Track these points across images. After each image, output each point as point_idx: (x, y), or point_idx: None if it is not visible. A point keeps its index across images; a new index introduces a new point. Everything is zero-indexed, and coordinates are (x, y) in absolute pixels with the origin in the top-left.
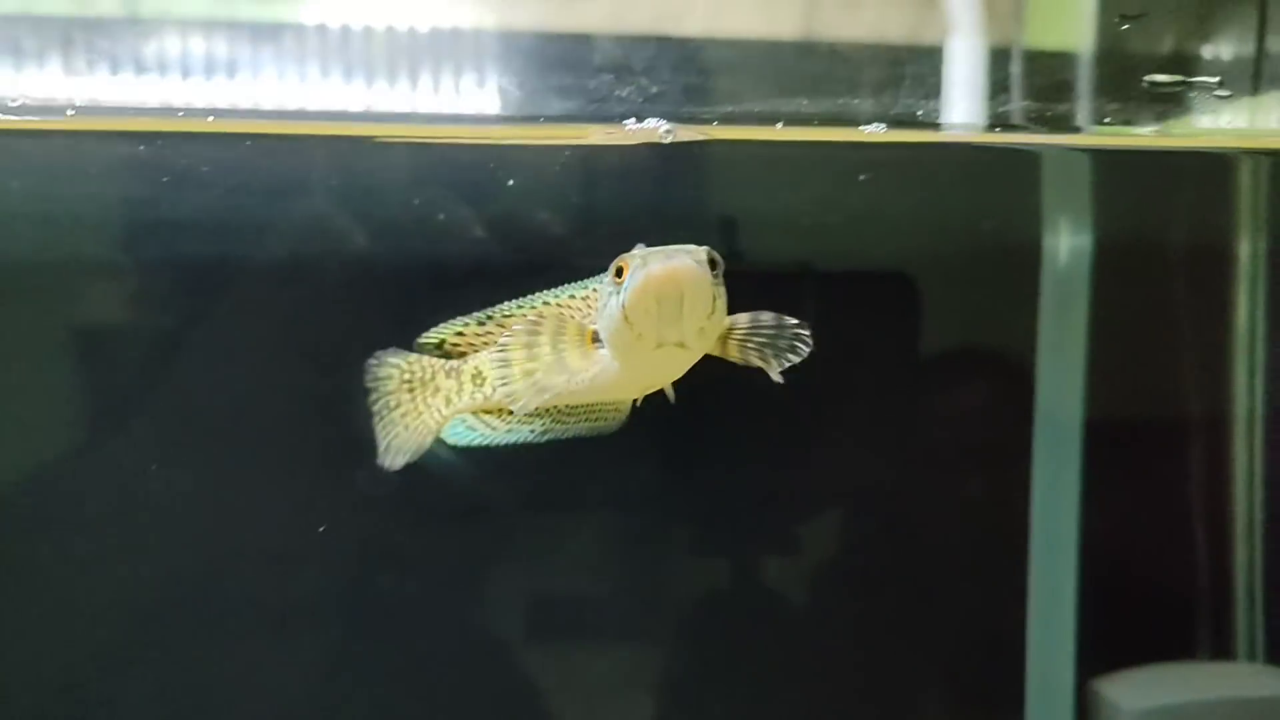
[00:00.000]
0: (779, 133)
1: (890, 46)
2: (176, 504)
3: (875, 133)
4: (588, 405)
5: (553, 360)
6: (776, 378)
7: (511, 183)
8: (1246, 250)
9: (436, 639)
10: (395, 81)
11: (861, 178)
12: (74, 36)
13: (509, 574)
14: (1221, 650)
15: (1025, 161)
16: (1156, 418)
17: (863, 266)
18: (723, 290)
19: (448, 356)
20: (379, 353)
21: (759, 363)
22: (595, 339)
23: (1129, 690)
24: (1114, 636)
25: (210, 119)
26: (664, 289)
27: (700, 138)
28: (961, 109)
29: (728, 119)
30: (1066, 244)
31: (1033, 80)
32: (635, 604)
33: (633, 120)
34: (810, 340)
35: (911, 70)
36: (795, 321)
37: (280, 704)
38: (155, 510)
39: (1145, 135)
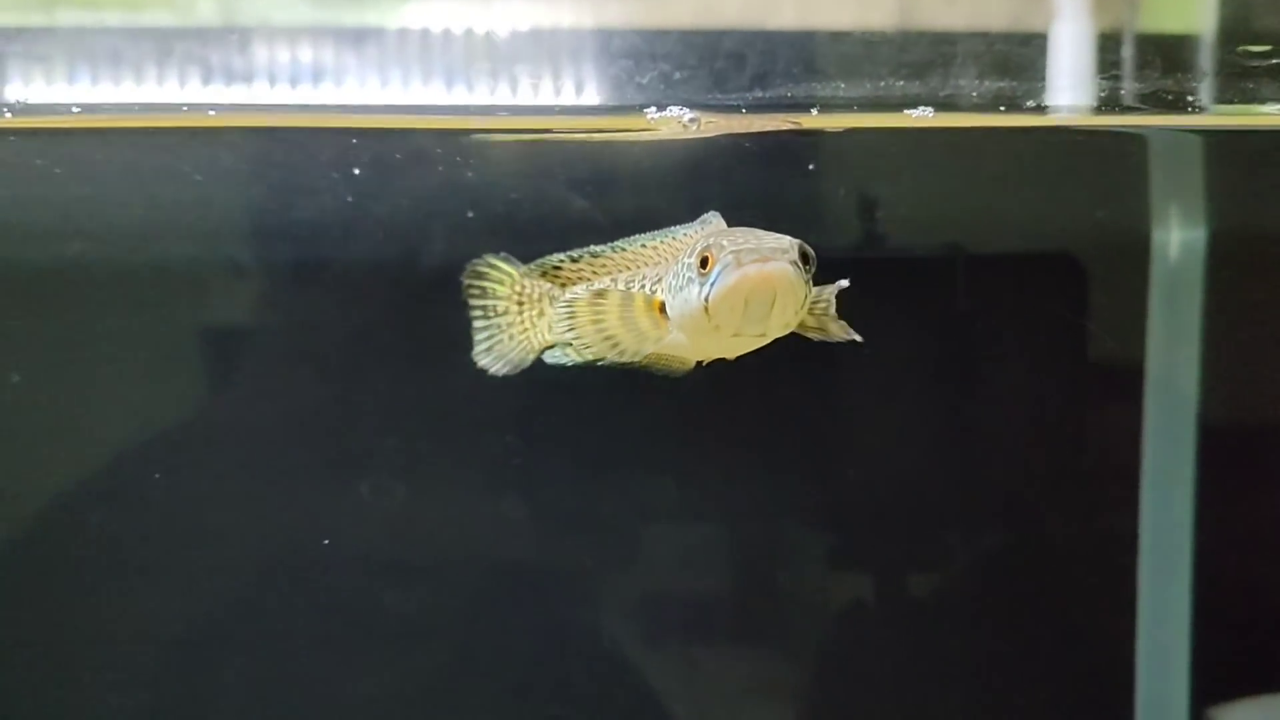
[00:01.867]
0: (813, 119)
1: (991, 34)
2: (282, 506)
3: (922, 117)
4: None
5: (622, 326)
6: (857, 338)
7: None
8: None
9: (550, 647)
10: (496, 85)
11: (810, 166)
12: (173, 46)
13: (630, 579)
14: None
15: (1133, 146)
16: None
17: (959, 262)
18: (812, 284)
19: None
20: (491, 255)
21: (838, 332)
22: (663, 309)
23: (1248, 719)
24: (1232, 661)
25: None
26: (756, 293)
27: (726, 128)
28: (1067, 96)
29: (792, 106)
30: (1178, 236)
31: (1146, 63)
32: (760, 609)
33: (654, 109)
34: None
35: (1014, 57)
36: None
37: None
38: (264, 515)
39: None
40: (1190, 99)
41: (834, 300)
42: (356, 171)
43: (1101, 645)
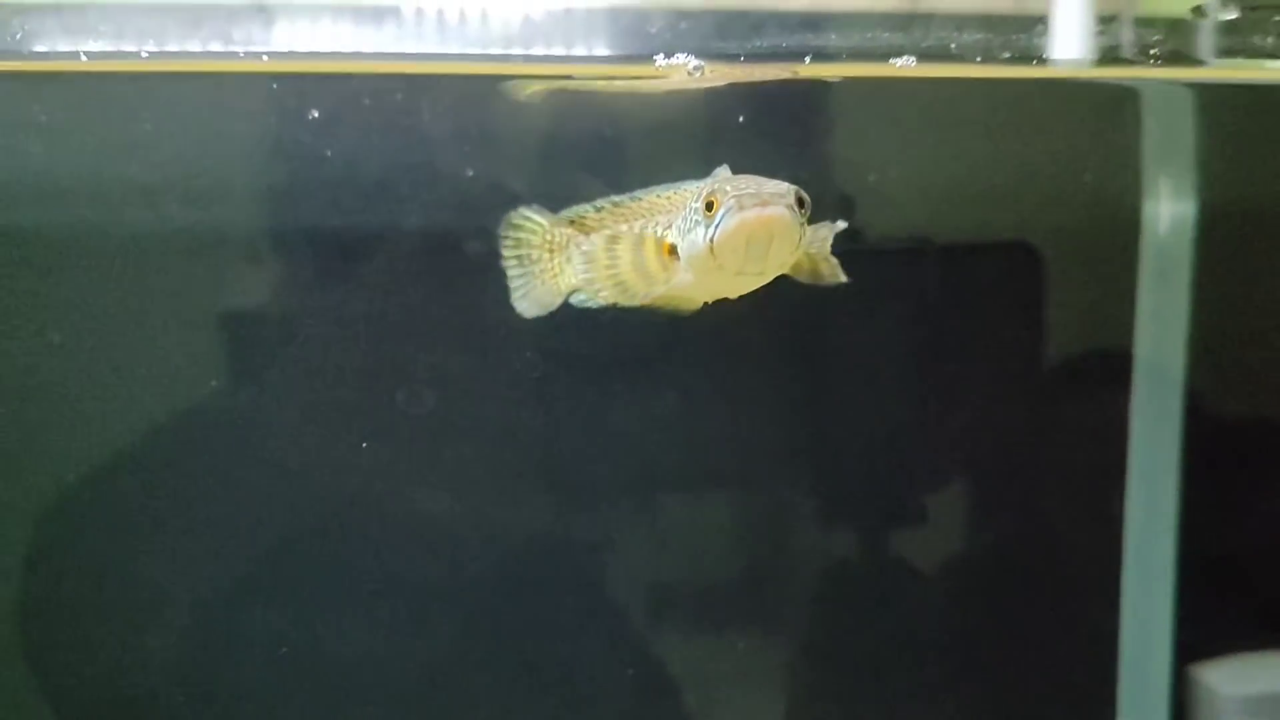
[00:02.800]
0: (807, 68)
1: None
2: (310, 473)
3: (908, 67)
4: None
5: (633, 270)
6: (844, 278)
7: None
8: None
9: (558, 622)
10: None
11: (740, 119)
12: (202, 22)
13: (631, 558)
14: None
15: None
16: (1264, 397)
17: (946, 233)
18: (807, 227)
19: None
20: (525, 208)
21: (828, 274)
22: (672, 251)
23: (1230, 677)
24: (1215, 625)
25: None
26: (755, 234)
27: (730, 78)
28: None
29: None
30: (1168, 207)
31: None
32: (759, 590)
33: (661, 56)
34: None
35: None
36: (833, 225)
37: (395, 678)
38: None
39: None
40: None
41: (829, 240)
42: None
43: (1087, 609)
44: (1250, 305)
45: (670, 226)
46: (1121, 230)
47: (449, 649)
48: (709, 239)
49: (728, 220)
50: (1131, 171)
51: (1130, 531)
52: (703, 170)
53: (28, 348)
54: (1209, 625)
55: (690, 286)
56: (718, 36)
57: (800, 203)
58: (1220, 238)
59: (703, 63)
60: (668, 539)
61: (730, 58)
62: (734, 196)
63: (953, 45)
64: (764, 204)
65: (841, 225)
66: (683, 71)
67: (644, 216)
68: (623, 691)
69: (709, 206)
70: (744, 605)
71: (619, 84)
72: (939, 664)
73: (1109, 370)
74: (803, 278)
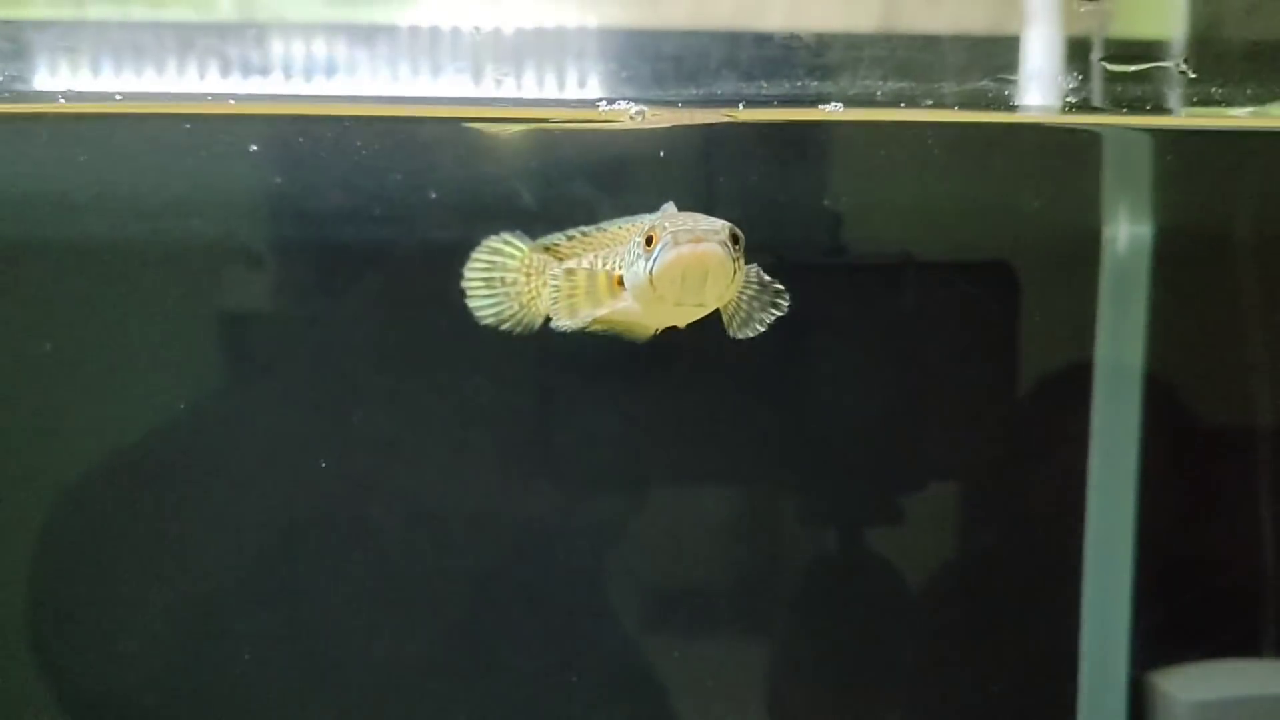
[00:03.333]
0: (742, 114)
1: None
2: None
3: (835, 112)
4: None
5: (586, 297)
6: (738, 335)
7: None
8: None
9: (550, 622)
10: (502, 80)
11: (661, 154)
12: (194, 40)
13: (623, 560)
14: None
15: (1087, 145)
16: (1220, 408)
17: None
18: (742, 262)
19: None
20: (506, 234)
21: (734, 318)
22: (621, 283)
23: (1185, 683)
24: (1173, 633)
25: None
26: (690, 268)
27: (671, 121)
28: (1035, 96)
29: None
30: (1126, 232)
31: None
32: (748, 591)
33: (604, 101)
34: (786, 304)
35: (987, 60)
36: (775, 283)
37: (389, 672)
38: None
39: (1236, 116)
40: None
41: (763, 280)
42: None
43: (1048, 615)
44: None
45: (619, 259)
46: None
47: (446, 643)
48: (648, 271)
49: (665, 254)
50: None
51: (1090, 544)
52: (648, 203)
53: None
54: (1169, 634)
55: (637, 314)
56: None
57: (734, 239)
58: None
59: (643, 108)
60: (652, 538)
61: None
62: (670, 232)
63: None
64: (698, 240)
65: (757, 268)
66: (625, 115)
67: (607, 246)
68: (613, 692)
69: (649, 241)
70: (726, 606)
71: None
72: (897, 668)
73: (1070, 382)
74: (734, 312)
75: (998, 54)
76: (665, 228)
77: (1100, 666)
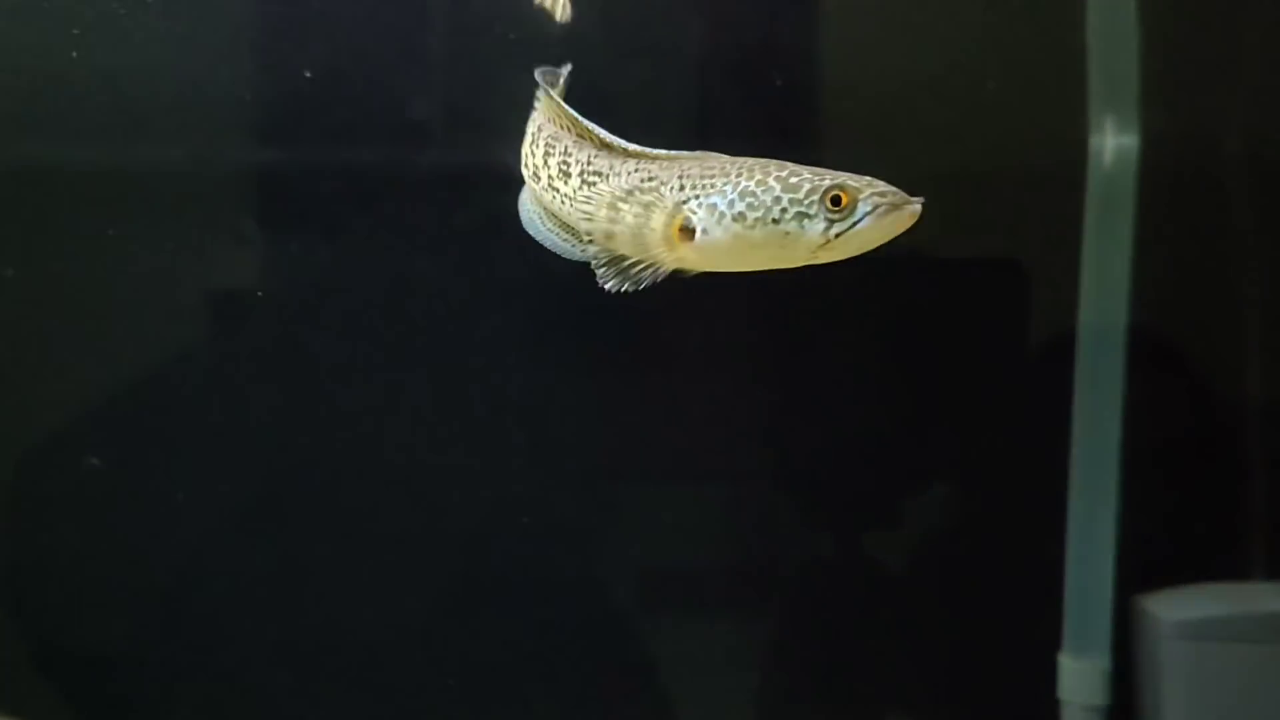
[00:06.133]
0: None
1: None
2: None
3: None
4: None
5: (631, 234)
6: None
7: None
8: None
9: (546, 601)
10: None
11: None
12: None
13: (620, 543)
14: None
15: None
16: (1207, 331)
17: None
18: None
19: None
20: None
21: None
22: (686, 230)
23: (1170, 604)
24: (1160, 558)
25: None
26: (898, 230)
27: None
28: None
29: None
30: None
31: None
32: (744, 577)
33: None
34: None
35: None
36: None
37: (385, 644)
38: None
39: None
40: None
41: None
42: None
43: (1034, 544)
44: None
45: (688, 200)
46: None
47: (435, 627)
48: (833, 233)
49: (878, 218)
50: None
51: (1076, 474)
52: None
53: None
54: (1156, 560)
55: (694, 262)
56: None
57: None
58: None
59: None
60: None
61: None
62: (875, 194)
63: None
64: (902, 204)
65: None
66: None
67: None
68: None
69: (834, 200)
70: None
71: None
72: (885, 596)
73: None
74: None
75: None
76: (857, 187)
77: (1085, 590)
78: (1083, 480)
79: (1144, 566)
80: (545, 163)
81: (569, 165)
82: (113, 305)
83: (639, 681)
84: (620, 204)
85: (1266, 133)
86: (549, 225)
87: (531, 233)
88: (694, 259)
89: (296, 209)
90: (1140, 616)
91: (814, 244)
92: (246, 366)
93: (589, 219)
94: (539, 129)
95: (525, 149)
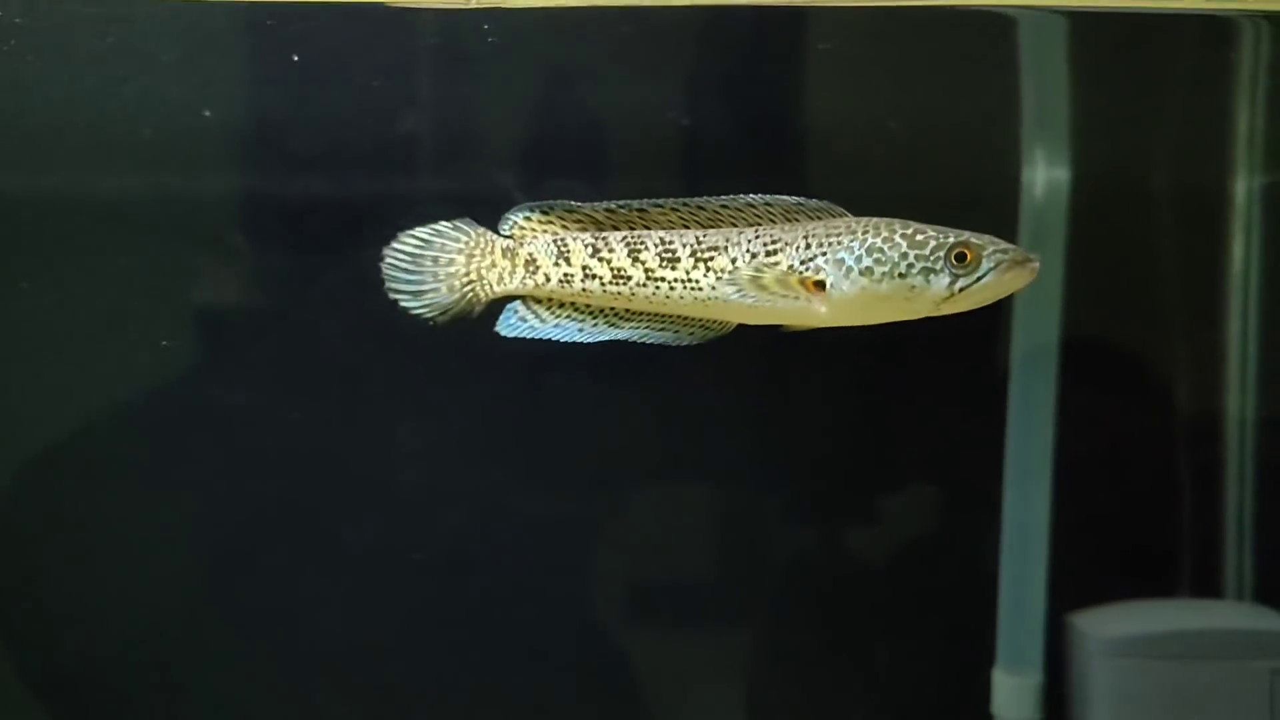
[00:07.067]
0: None
1: None
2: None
3: None
4: (655, 315)
5: (772, 294)
6: None
7: None
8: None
9: (535, 611)
10: None
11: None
12: None
13: (607, 552)
14: (1207, 593)
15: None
16: (1139, 349)
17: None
18: None
19: (509, 239)
20: (445, 222)
21: None
22: (817, 285)
23: (1100, 622)
24: (1091, 577)
25: None
26: (1019, 286)
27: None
28: None
29: None
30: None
31: None
32: (730, 585)
33: None
34: None
35: None
36: None
37: (376, 655)
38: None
39: None
40: None
41: None
42: None
43: (968, 561)
44: None
45: (806, 260)
46: None
47: (425, 637)
48: (958, 288)
49: (1001, 273)
50: None
51: (1009, 493)
52: None
53: None
54: (1088, 579)
55: (813, 316)
56: None
57: None
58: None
59: None
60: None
61: None
62: (998, 251)
63: None
64: (1024, 260)
65: None
66: None
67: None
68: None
69: (959, 258)
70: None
71: None
72: (819, 613)
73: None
74: None
75: None
76: (981, 245)
77: (1019, 608)
78: (1016, 498)
79: (1077, 584)
80: (625, 263)
81: (674, 250)
82: (94, 325)
83: (621, 693)
84: (762, 273)
85: (1188, 168)
86: (556, 317)
87: (530, 335)
88: (824, 315)
89: (280, 233)
90: (1071, 633)
91: (939, 297)
92: (235, 385)
93: (738, 292)
94: (561, 241)
95: (546, 269)
